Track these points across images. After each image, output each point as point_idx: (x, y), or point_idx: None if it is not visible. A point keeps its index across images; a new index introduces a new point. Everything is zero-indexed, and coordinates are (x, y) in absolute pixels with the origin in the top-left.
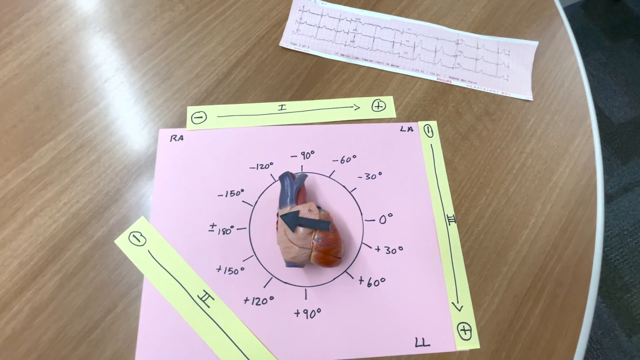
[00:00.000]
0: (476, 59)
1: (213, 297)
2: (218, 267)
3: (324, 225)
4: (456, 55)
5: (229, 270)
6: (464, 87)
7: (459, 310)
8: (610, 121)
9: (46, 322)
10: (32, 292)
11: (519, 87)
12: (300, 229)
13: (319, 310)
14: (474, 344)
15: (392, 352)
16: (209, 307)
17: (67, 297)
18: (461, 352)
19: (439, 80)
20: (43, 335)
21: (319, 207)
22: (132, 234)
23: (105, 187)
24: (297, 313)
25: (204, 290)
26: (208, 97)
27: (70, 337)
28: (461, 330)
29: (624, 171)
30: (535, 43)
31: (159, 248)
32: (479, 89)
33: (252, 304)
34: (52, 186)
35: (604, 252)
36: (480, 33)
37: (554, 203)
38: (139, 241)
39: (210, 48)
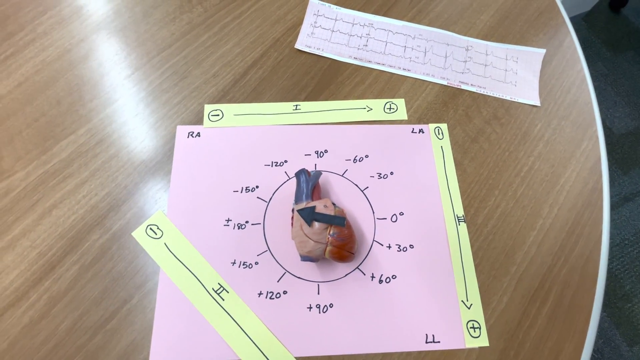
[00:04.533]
0: (485, 65)
1: (228, 290)
2: (233, 261)
3: (340, 220)
4: (466, 61)
5: (243, 265)
6: (474, 92)
7: (469, 309)
8: (611, 131)
9: (63, 311)
10: (50, 282)
11: (527, 93)
12: (316, 224)
13: (331, 306)
14: (483, 341)
15: (402, 348)
16: (223, 300)
17: (84, 287)
18: (470, 350)
19: (449, 85)
20: (60, 325)
21: (333, 204)
22: (149, 227)
23: (124, 181)
24: (310, 308)
25: (218, 284)
26: (225, 96)
27: (86, 327)
28: (470, 328)
29: (624, 181)
30: (543, 50)
31: (175, 241)
32: (488, 94)
33: (266, 297)
34: (72, 179)
35: None
36: (489, 40)
37: (561, 206)
38: (156, 234)
39: (227, 49)
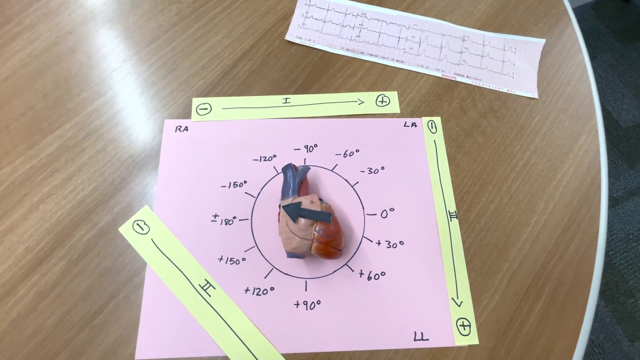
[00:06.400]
0: (482, 56)
1: (214, 286)
2: (220, 257)
3: (325, 216)
4: (462, 52)
5: (230, 261)
6: (469, 84)
7: (459, 306)
8: (618, 124)
9: (51, 306)
10: (38, 276)
11: (525, 85)
12: (302, 220)
13: (318, 302)
14: (473, 339)
15: (390, 346)
16: (210, 296)
17: (71, 282)
18: (459, 348)
19: (444, 77)
20: (48, 319)
21: (320, 200)
22: (135, 223)
23: (111, 176)
24: (297, 304)
25: (205, 280)
26: (213, 89)
27: (74, 322)
28: (460, 325)
29: (630, 175)
30: (542, 41)
31: (162, 237)
32: (484, 86)
33: (253, 294)
34: (59, 174)
35: (608, 256)
36: (486, 30)
37: (557, 201)
38: (143, 229)
39: (217, 41)
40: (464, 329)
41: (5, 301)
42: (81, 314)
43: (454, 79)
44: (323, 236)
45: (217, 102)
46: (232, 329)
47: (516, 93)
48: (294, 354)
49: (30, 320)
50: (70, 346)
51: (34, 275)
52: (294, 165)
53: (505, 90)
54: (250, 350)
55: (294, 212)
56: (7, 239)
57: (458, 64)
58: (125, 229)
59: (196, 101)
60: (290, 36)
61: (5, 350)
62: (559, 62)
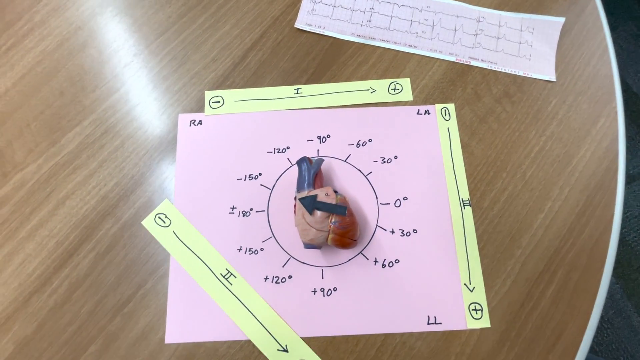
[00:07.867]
0: (498, 38)
1: (235, 275)
2: (239, 248)
3: (341, 210)
4: (477, 34)
5: (249, 251)
6: (484, 68)
7: (471, 291)
8: (638, 98)
9: (84, 296)
10: (70, 268)
11: (542, 67)
12: (318, 213)
13: (335, 289)
14: (485, 323)
15: (404, 329)
16: (231, 284)
17: (101, 273)
18: (471, 331)
19: (457, 61)
20: (82, 308)
21: (335, 192)
22: (157, 216)
23: (130, 171)
24: (314, 291)
25: (226, 269)
26: (225, 82)
27: (106, 310)
28: (472, 310)
29: None
30: (562, 20)
31: (183, 229)
32: (500, 70)
33: (272, 282)
34: (81, 170)
35: (622, 233)
36: (503, 9)
37: (572, 187)
38: (164, 222)
39: (225, 31)
40: (476, 313)
41: (42, 291)
42: (112, 302)
43: (468, 63)
44: (339, 228)
45: (229, 94)
46: (253, 315)
47: (533, 76)
48: (313, 337)
49: (67, 309)
50: (104, 332)
51: (66, 267)
52: (308, 158)
53: (521, 73)
54: (272, 335)
55: (310, 205)
56: (38, 233)
57: (472, 47)
58: (148, 223)
59: (208, 94)
60: (299, 23)
61: (46, 336)
62: (579, 42)
